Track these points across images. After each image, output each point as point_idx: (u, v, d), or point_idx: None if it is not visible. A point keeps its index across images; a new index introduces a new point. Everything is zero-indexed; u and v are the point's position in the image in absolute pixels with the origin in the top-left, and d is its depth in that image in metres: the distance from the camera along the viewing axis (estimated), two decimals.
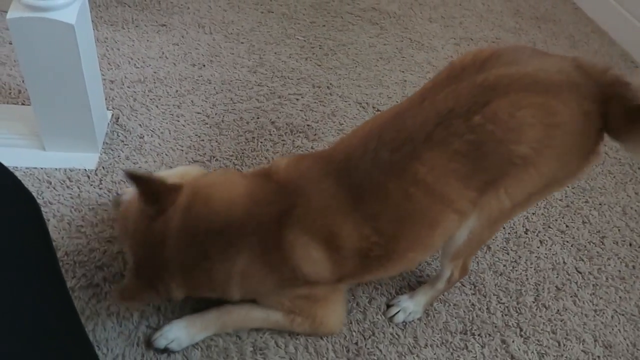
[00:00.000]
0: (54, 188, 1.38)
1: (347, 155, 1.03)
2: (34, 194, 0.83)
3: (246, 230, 1.01)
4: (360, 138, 1.04)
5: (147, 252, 1.03)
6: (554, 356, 1.21)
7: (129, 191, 1.22)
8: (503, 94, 0.95)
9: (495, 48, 1.03)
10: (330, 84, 1.91)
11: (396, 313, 1.24)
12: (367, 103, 1.85)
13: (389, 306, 1.26)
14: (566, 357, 1.22)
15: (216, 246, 1.01)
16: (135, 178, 0.99)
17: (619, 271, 1.42)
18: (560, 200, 1.59)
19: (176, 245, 1.01)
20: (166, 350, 1.11)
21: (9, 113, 1.56)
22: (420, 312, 1.25)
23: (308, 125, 1.72)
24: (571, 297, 1.34)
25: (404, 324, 1.23)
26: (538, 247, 1.45)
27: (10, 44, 1.80)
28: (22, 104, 1.61)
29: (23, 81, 1.65)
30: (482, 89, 0.96)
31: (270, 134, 1.67)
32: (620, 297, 1.36)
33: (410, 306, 1.24)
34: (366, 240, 1.02)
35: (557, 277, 1.39)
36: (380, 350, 1.17)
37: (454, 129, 0.96)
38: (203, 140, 1.61)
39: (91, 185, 1.41)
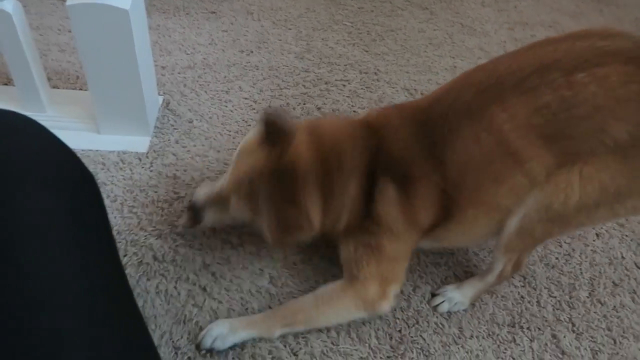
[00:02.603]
0: (108, 170, 1.44)
1: (431, 101, 1.01)
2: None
3: (348, 167, 1.03)
4: (450, 84, 1.01)
5: (284, 194, 1.01)
6: (608, 354, 1.16)
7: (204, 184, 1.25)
8: (623, 62, 0.85)
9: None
10: (378, 70, 1.88)
11: (441, 302, 1.21)
12: (415, 89, 1.82)
13: (433, 295, 1.24)
14: (622, 355, 1.16)
15: (335, 181, 1.04)
16: (269, 122, 1.00)
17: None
18: None
19: (311, 181, 1.01)
20: (212, 350, 1.09)
21: (68, 97, 1.63)
22: (466, 303, 1.21)
23: (354, 112, 1.71)
24: (629, 293, 1.27)
25: (449, 314, 1.20)
26: (594, 241, 1.38)
27: (70, 32, 1.88)
28: (80, 89, 1.68)
29: (81, 67, 1.71)
30: (601, 52, 0.86)
31: None
32: None
33: (456, 296, 1.21)
34: (434, 187, 0.98)
35: (614, 272, 1.32)
36: (424, 339, 1.16)
37: (550, 79, 0.87)
38: (250, 125, 1.63)
39: (142, 167, 1.46)
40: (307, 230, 1.04)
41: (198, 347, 1.10)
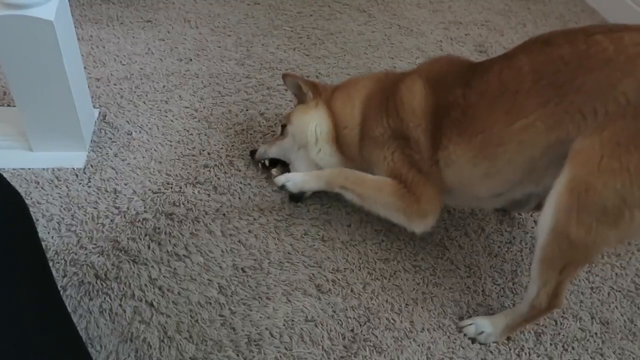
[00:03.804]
0: (42, 188, 1.37)
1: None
2: (22, 195, 0.82)
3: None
4: None
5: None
6: (551, 335, 1.21)
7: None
8: (637, 30, 0.93)
9: None
10: (319, 73, 1.90)
11: (469, 325, 1.18)
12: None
13: (460, 319, 1.22)
14: (563, 335, 1.21)
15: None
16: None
17: (615, 248, 1.41)
18: None
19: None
20: (283, 188, 1.33)
21: None
22: (497, 335, 1.15)
23: None
24: None
25: (399, 308, 1.22)
26: (532, 227, 1.45)
27: None
28: (8, 105, 1.60)
29: (7, 82, 1.63)
30: (624, 26, 0.95)
31: (260, 126, 1.65)
32: (616, 273, 1.35)
33: (485, 324, 1.16)
34: (454, 97, 1.13)
35: None
36: (376, 336, 1.17)
37: (571, 38, 0.98)
38: (192, 134, 1.60)
39: (80, 183, 1.40)
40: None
41: (281, 187, 1.34)
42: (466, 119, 1.11)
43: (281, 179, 1.33)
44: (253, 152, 1.50)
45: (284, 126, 1.45)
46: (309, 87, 1.41)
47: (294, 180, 1.33)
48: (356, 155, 1.36)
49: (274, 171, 1.46)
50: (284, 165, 1.47)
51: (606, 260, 1.38)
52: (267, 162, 1.48)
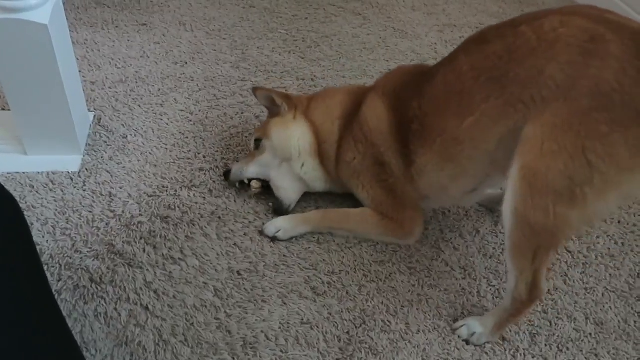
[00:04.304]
0: (36, 192, 1.37)
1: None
2: (17, 199, 0.82)
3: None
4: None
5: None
6: (546, 336, 1.21)
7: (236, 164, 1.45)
8: (559, 14, 0.98)
9: None
10: (315, 76, 1.90)
11: (461, 326, 1.19)
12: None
13: (455, 321, 1.22)
14: (558, 336, 1.22)
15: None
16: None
17: (609, 249, 1.42)
18: None
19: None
20: (275, 239, 1.32)
21: None
22: (488, 335, 1.16)
23: None
24: (561, 276, 1.34)
25: (395, 310, 1.23)
26: None
27: None
28: (2, 109, 1.59)
29: (1, 86, 1.63)
30: (545, 12, 1.01)
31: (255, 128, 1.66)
32: (610, 274, 1.36)
33: (475, 325, 1.17)
34: (412, 110, 1.18)
35: None
36: (372, 338, 1.17)
37: (501, 32, 1.04)
38: (187, 137, 1.60)
39: (75, 187, 1.40)
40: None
41: (262, 234, 1.33)
42: (424, 128, 1.17)
43: (271, 229, 1.32)
44: (227, 173, 1.43)
45: (258, 140, 1.40)
46: (283, 100, 1.38)
47: (284, 228, 1.33)
48: (334, 172, 1.37)
49: (253, 183, 1.40)
50: (261, 181, 1.41)
51: (600, 261, 1.38)
52: (246, 180, 1.41)
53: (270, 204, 1.41)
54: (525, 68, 0.98)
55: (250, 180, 1.41)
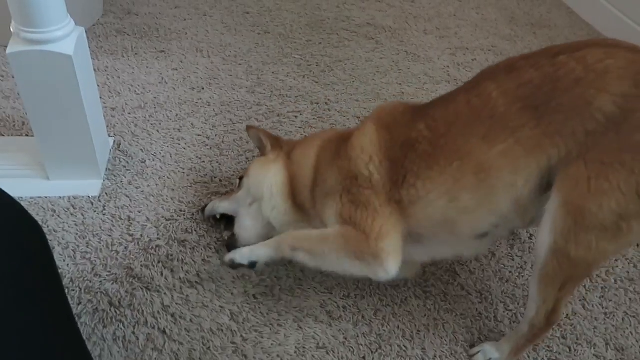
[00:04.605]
0: (58, 216, 1.40)
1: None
2: (39, 223, 0.85)
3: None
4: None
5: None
6: None
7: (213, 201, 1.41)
8: (597, 46, 0.95)
9: None
10: (329, 100, 1.93)
11: (477, 352, 1.19)
12: (365, 117, 1.86)
13: (471, 346, 1.22)
14: None
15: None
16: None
17: (628, 272, 1.40)
18: None
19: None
20: (234, 265, 1.19)
21: (14, 145, 1.59)
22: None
23: None
24: (580, 301, 1.33)
25: (411, 335, 1.22)
26: None
27: (13, 77, 1.84)
28: (27, 135, 1.64)
29: (26, 113, 1.68)
30: (582, 43, 0.98)
31: None
32: (630, 299, 1.34)
33: (491, 350, 1.17)
34: (416, 132, 1.08)
35: None
36: None
37: (534, 62, 0.98)
38: (204, 161, 1.63)
39: (95, 211, 1.43)
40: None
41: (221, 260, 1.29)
42: (436, 150, 1.05)
43: (227, 257, 1.20)
44: (204, 209, 1.41)
45: (241, 179, 1.37)
46: (268, 140, 1.36)
47: (241, 252, 1.19)
48: (311, 209, 1.25)
49: (225, 232, 1.39)
50: (229, 221, 1.37)
51: (619, 285, 1.37)
52: (218, 216, 1.39)
53: (226, 237, 1.37)
54: (570, 98, 0.93)
55: (221, 216, 1.38)
